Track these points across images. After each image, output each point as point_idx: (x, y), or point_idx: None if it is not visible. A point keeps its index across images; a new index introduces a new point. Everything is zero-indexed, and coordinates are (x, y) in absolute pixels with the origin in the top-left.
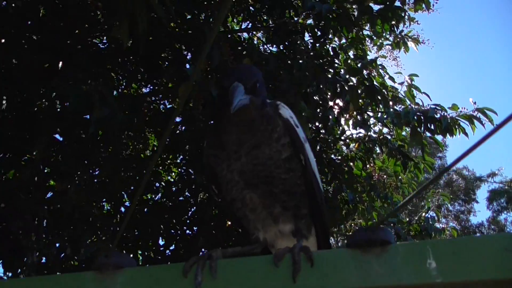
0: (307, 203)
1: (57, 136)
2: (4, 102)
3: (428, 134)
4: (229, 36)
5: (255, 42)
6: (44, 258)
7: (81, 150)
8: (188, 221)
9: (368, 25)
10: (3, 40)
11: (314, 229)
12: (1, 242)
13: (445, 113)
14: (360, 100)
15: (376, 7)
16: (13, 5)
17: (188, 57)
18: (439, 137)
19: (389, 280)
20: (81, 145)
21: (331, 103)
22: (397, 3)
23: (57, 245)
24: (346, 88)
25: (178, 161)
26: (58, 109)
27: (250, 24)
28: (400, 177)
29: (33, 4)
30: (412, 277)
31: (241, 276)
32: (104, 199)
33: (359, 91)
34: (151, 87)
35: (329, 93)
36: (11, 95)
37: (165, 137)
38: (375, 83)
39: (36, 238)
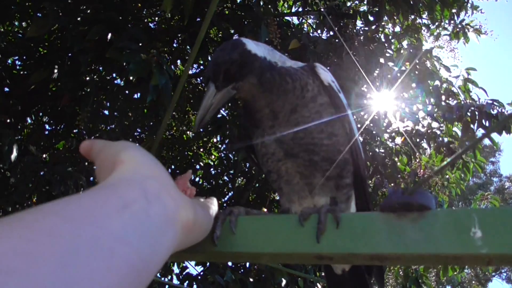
0: (350, 173)
1: (105, 112)
2: (55, 71)
3: (482, 131)
4: (277, 19)
5: (305, 28)
6: None
7: (125, 125)
8: (225, 205)
9: (426, 12)
10: (60, 14)
11: (355, 202)
12: (43, 203)
13: (503, 110)
14: (411, 91)
15: None
16: None
17: (235, 37)
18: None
19: (425, 248)
20: (126, 119)
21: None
22: None
23: None
24: (398, 74)
25: (219, 145)
26: (107, 81)
27: (301, 8)
28: (447, 175)
29: None
30: (453, 246)
31: (262, 233)
32: None
33: (412, 76)
34: (197, 69)
35: (377, 82)
36: (62, 64)
37: (174, 99)
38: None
39: None
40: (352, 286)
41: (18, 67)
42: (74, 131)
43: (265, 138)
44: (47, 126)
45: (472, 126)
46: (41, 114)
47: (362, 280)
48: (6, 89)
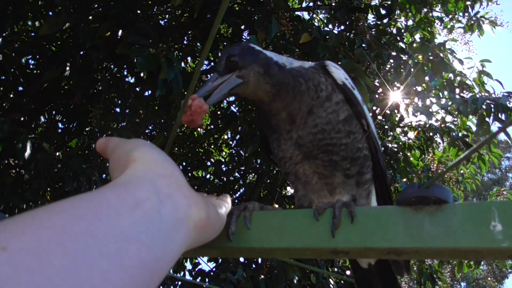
0: (370, 168)
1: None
2: (67, 69)
3: (497, 124)
4: (287, 14)
5: (316, 24)
6: None
7: (137, 123)
8: (236, 201)
9: (440, 5)
10: (72, 11)
11: (376, 195)
12: (56, 200)
13: None
14: (424, 84)
15: None
16: None
17: (245, 33)
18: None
19: (443, 242)
20: (137, 116)
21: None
22: None
23: None
24: (411, 63)
25: (230, 142)
26: (118, 78)
27: (312, 3)
28: (462, 171)
29: None
30: (472, 240)
31: (277, 228)
32: None
33: (425, 68)
34: (208, 65)
35: (389, 75)
36: (74, 62)
37: (188, 94)
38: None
39: None
40: (379, 280)
41: (31, 66)
42: (87, 129)
43: (282, 143)
44: (60, 125)
45: (487, 119)
46: (54, 112)
47: (388, 274)
48: (20, 88)
